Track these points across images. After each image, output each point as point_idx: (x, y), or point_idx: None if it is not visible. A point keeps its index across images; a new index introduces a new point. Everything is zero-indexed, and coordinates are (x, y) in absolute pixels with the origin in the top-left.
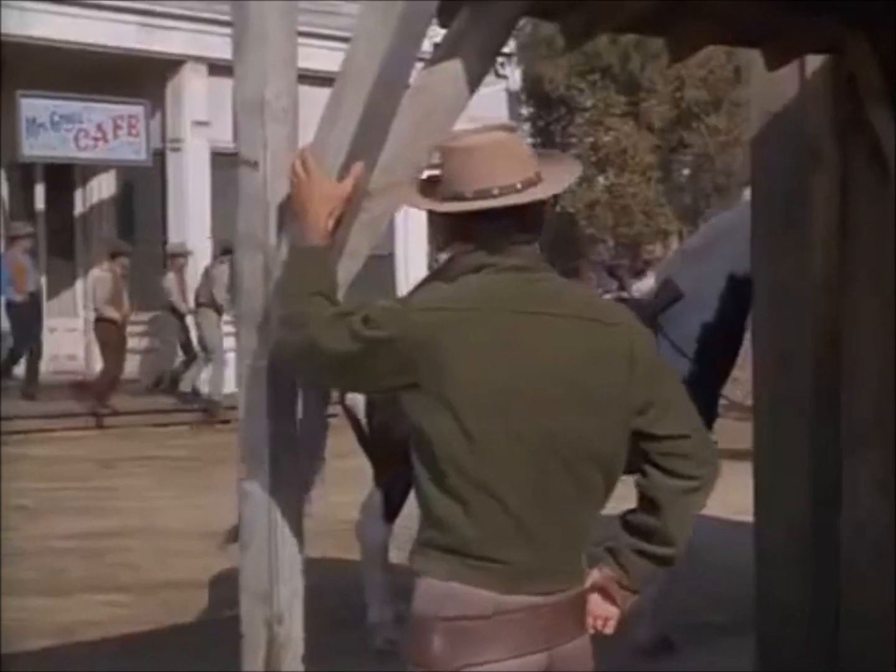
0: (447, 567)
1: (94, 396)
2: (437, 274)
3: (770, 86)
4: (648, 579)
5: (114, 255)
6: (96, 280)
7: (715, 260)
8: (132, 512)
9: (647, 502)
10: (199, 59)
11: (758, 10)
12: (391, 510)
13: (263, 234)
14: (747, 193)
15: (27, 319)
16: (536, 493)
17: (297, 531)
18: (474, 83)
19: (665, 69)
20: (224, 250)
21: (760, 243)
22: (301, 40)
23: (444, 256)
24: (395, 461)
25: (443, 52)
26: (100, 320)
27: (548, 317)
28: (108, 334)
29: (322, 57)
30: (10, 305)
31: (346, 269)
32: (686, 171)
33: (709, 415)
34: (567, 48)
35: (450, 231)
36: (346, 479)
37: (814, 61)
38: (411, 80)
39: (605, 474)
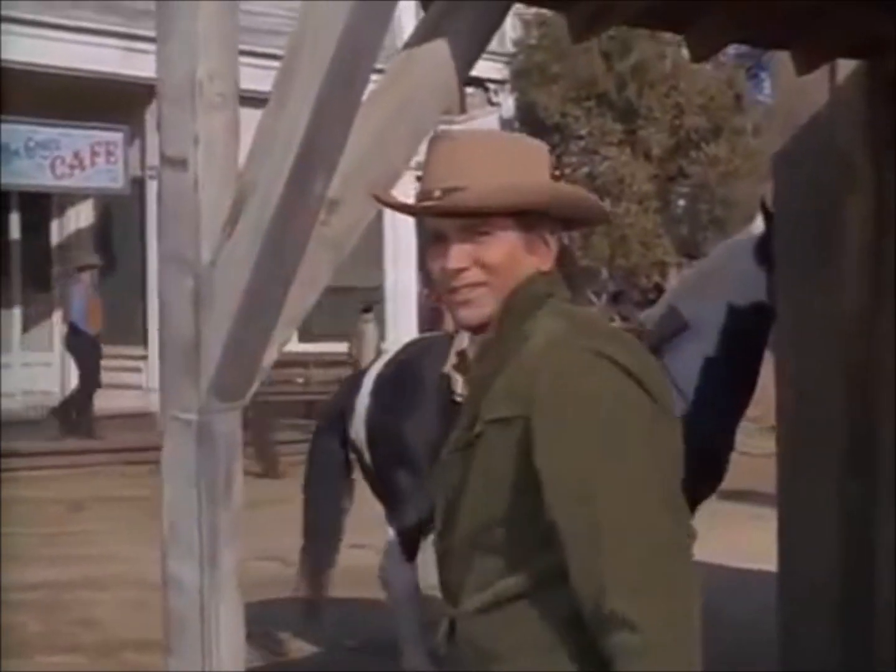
0: None
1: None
2: (531, 304)
3: (796, 95)
4: None
5: None
6: None
7: (715, 289)
8: (100, 560)
9: None
10: None
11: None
12: (411, 549)
13: (193, 251)
14: (753, 227)
15: (95, 354)
16: None
17: (238, 629)
18: (463, 69)
19: (663, 96)
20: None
21: (785, 271)
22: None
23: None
24: (404, 497)
25: (425, 32)
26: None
27: None
28: None
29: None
30: (81, 337)
31: (302, 299)
32: (684, 202)
33: (712, 463)
34: (574, 41)
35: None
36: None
37: (846, 66)
38: (384, 65)
39: None
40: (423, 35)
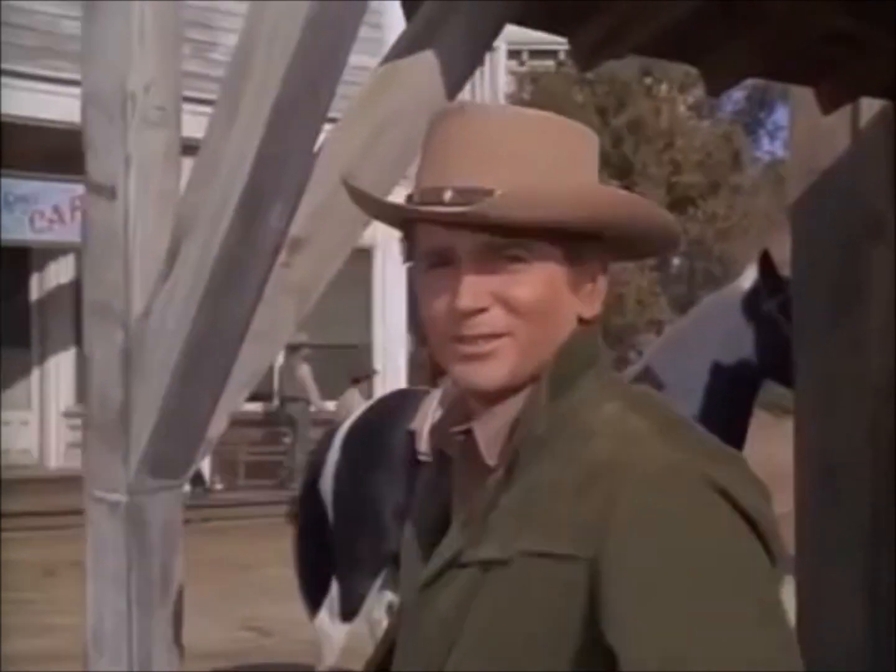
0: None
1: None
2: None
3: (815, 139)
4: None
5: (357, 381)
6: (356, 402)
7: (699, 346)
8: (69, 630)
9: None
10: None
11: (819, 29)
12: (349, 611)
13: (123, 298)
14: (741, 281)
15: None
16: None
17: None
18: (454, 88)
19: (659, 152)
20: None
21: (805, 328)
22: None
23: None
24: (357, 557)
25: (409, 45)
26: None
27: None
28: None
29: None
30: None
31: (258, 356)
32: (680, 260)
33: None
34: (580, 69)
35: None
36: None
37: (869, 108)
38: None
39: None
40: (406, 48)
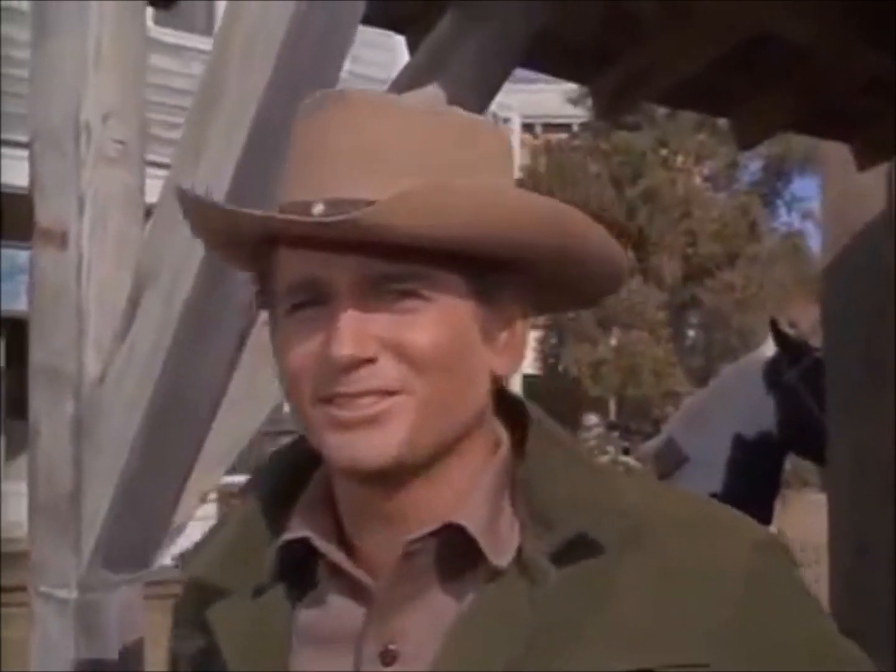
0: None
1: None
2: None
3: (848, 199)
4: None
5: None
6: None
7: (719, 419)
8: None
9: None
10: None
11: (853, 79)
12: None
13: (74, 361)
14: (763, 350)
15: None
16: None
17: None
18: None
19: (675, 222)
20: None
21: (836, 400)
22: None
23: None
24: None
25: (413, 74)
26: None
27: None
28: None
29: None
30: None
31: (234, 429)
32: (694, 332)
33: None
34: (598, 116)
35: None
36: None
37: None
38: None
39: None
40: (409, 82)
